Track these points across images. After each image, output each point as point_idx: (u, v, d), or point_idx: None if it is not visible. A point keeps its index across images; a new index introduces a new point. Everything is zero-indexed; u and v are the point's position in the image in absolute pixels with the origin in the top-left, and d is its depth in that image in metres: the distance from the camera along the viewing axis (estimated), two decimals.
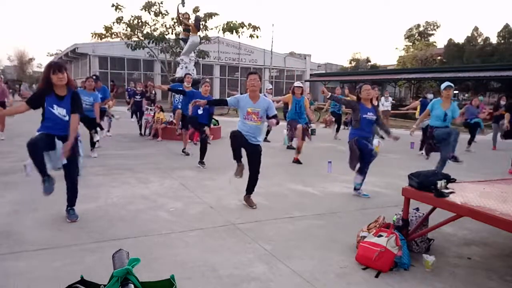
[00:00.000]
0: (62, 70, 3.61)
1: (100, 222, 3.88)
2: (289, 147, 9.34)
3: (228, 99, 4.64)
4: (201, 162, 6.79)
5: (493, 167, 7.25)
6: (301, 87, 7.66)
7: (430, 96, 9.48)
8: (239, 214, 4.30)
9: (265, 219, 4.16)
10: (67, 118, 3.69)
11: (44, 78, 3.63)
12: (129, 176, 5.90)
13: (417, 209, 3.58)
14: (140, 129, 10.94)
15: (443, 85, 5.74)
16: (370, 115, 4.99)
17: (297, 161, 7.52)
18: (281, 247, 3.41)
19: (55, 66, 3.60)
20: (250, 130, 4.42)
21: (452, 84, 5.77)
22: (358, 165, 5.03)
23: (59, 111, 3.64)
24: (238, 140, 4.41)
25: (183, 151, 7.88)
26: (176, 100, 7.96)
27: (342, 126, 12.12)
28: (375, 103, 7.46)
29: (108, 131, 9.94)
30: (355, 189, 5.21)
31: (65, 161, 3.72)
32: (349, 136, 5.13)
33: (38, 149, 3.56)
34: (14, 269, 2.83)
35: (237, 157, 4.53)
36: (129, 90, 12.23)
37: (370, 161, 5.05)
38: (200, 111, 6.85)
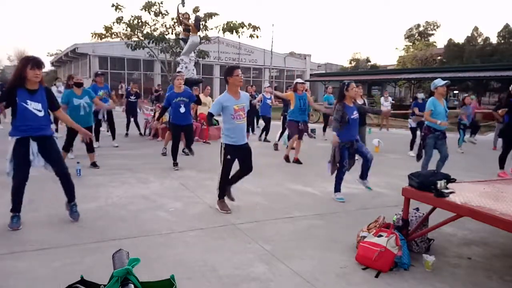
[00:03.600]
0: (41, 66, 3.51)
1: (100, 222, 3.89)
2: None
3: (211, 111, 4.34)
4: (189, 148, 6.83)
5: (493, 167, 7.23)
6: (304, 83, 7.54)
7: (420, 95, 9.37)
8: (239, 214, 4.30)
9: (265, 219, 4.16)
10: (42, 113, 3.58)
11: (18, 72, 3.48)
12: (129, 176, 5.90)
13: (417, 209, 3.58)
14: (139, 129, 10.85)
15: (441, 82, 5.54)
16: (356, 114, 4.95)
17: (297, 161, 7.50)
18: (281, 247, 3.41)
19: (34, 61, 3.47)
20: (239, 130, 4.30)
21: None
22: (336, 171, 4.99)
23: (34, 105, 3.52)
24: (230, 164, 4.32)
25: (163, 153, 7.81)
26: None
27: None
28: (360, 101, 7.30)
29: (108, 131, 9.92)
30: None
31: (43, 162, 3.67)
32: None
33: (21, 189, 3.60)
34: (14, 269, 2.83)
35: (224, 191, 4.39)
36: (128, 89, 12.23)
37: (369, 166, 5.04)
38: (182, 110, 6.56)
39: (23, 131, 3.54)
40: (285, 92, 10.54)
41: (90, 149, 6.41)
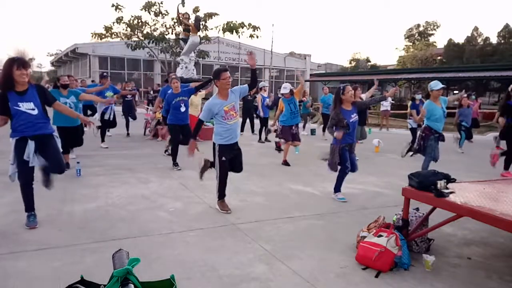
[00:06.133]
0: (26, 66, 3.47)
1: (100, 222, 3.89)
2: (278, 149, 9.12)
3: (201, 117, 4.28)
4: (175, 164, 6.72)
5: (493, 167, 7.23)
6: (287, 93, 7.35)
7: (418, 96, 9.32)
8: (239, 214, 4.30)
9: (265, 219, 4.16)
10: (35, 111, 3.56)
11: (5, 74, 3.43)
12: (129, 176, 5.90)
13: (417, 209, 3.58)
14: (128, 129, 10.74)
15: (437, 85, 5.50)
16: (354, 117, 4.89)
17: (285, 163, 7.42)
18: (281, 247, 3.41)
19: (19, 62, 3.43)
20: (231, 130, 4.27)
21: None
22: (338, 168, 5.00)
23: (26, 106, 3.51)
24: (227, 164, 4.32)
25: (165, 152, 7.85)
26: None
27: None
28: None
29: (108, 130, 9.93)
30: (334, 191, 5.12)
31: (43, 161, 3.67)
32: (334, 140, 4.94)
33: (28, 189, 3.65)
34: (14, 269, 2.83)
35: (224, 191, 4.40)
36: (134, 90, 12.23)
37: (354, 171, 5.08)
38: (182, 109, 6.59)
39: (21, 131, 3.56)
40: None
41: (72, 146, 6.48)
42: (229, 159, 4.36)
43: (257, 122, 12.71)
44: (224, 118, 4.21)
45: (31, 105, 3.54)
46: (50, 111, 3.86)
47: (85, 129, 8.14)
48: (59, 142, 3.87)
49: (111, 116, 8.84)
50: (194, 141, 4.35)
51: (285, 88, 7.46)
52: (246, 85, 4.49)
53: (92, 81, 17.27)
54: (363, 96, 9.00)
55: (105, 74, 9.09)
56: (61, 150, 3.91)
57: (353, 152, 5.05)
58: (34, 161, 3.62)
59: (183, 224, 3.93)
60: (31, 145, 3.57)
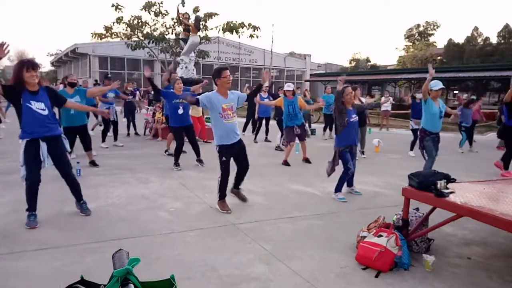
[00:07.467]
0: (36, 67, 3.56)
1: (100, 222, 3.89)
2: (277, 148, 9.17)
3: (200, 98, 4.26)
4: (199, 160, 6.82)
5: (493, 167, 7.24)
6: (291, 90, 7.46)
7: (419, 95, 9.31)
8: (239, 214, 4.30)
9: (265, 219, 4.16)
10: (46, 111, 3.65)
11: (16, 76, 3.53)
12: (129, 176, 5.90)
13: (417, 209, 3.58)
14: (129, 130, 10.70)
15: (437, 86, 5.47)
16: (355, 117, 4.95)
17: (306, 160, 7.57)
18: (281, 247, 3.41)
19: (28, 63, 3.52)
20: (228, 129, 4.29)
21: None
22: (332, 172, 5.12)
23: (37, 105, 3.59)
24: (227, 164, 4.34)
25: (166, 152, 7.85)
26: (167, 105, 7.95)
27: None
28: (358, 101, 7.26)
29: (108, 131, 9.93)
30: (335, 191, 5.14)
31: (51, 163, 3.73)
32: (335, 142, 5.02)
33: (34, 190, 3.68)
34: (14, 269, 2.83)
35: (224, 191, 4.41)
36: (136, 90, 12.20)
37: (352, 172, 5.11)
38: (180, 111, 6.58)
39: (32, 132, 3.61)
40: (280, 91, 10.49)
41: (87, 147, 6.51)
42: (234, 156, 4.41)
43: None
44: (221, 116, 4.23)
45: (42, 105, 3.63)
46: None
47: (99, 127, 8.16)
48: (66, 143, 3.94)
49: (114, 117, 8.89)
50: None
51: (289, 86, 7.53)
52: (245, 94, 4.63)
53: (96, 80, 17.27)
54: (363, 99, 9.02)
55: (109, 76, 9.16)
56: (69, 150, 3.97)
57: (354, 155, 5.07)
58: (49, 162, 3.70)
59: (183, 224, 3.93)
60: (43, 146, 3.64)
